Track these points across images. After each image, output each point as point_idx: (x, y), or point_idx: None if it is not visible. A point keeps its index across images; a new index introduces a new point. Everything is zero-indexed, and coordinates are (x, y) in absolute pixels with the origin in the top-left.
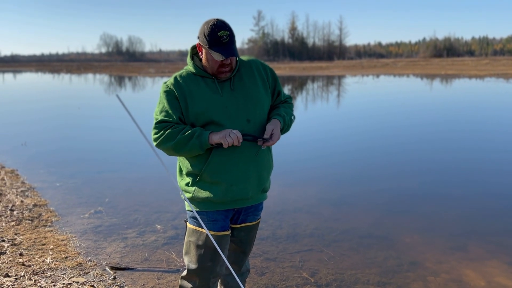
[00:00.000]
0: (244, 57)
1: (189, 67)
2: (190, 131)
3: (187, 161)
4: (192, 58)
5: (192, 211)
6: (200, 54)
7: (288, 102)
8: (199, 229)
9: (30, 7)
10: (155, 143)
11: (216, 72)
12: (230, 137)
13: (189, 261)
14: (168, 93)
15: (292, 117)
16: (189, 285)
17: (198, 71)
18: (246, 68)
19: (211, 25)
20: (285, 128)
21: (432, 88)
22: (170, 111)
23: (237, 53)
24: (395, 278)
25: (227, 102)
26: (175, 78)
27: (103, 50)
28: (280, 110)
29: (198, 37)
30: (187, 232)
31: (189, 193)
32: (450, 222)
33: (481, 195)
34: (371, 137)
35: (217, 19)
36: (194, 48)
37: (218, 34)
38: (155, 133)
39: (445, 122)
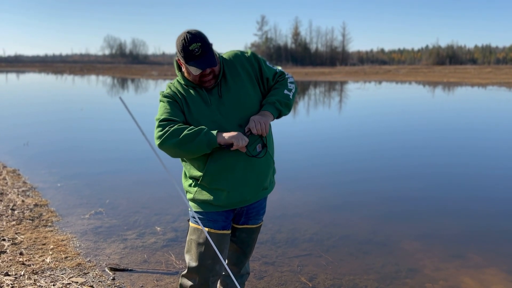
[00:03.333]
0: (225, 54)
1: (178, 78)
2: (197, 128)
3: (188, 167)
4: (180, 70)
5: (193, 210)
6: (182, 67)
7: (279, 82)
8: (200, 227)
9: (34, 9)
10: (159, 141)
11: (199, 82)
12: (242, 140)
13: (189, 259)
14: (169, 98)
15: (286, 90)
16: (189, 283)
17: (186, 82)
18: (230, 69)
19: (181, 40)
20: (281, 107)
21: (434, 95)
22: (173, 112)
23: (213, 62)
24: (393, 285)
25: (216, 111)
26: (169, 87)
27: (107, 52)
28: (269, 98)
29: (176, 53)
30: (189, 230)
31: (191, 193)
32: (449, 229)
33: (481, 203)
34: (372, 143)
35: (187, 32)
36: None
37: (190, 48)
38: (159, 131)
39: (445, 130)
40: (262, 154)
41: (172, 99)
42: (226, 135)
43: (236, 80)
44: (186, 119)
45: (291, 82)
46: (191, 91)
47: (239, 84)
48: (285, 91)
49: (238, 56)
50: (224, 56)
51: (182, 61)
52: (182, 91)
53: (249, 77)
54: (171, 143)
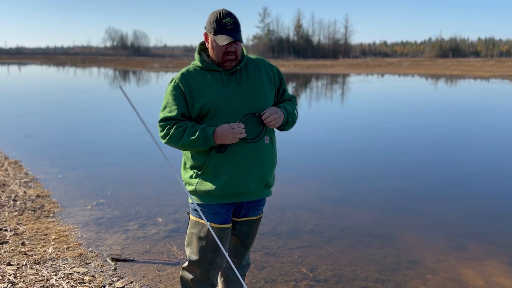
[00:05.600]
0: (252, 56)
1: (196, 62)
2: (194, 137)
3: (191, 156)
4: (199, 53)
5: (194, 203)
6: (206, 44)
7: (292, 101)
8: (201, 221)
9: (36, 1)
10: (162, 141)
11: (221, 60)
12: (235, 134)
13: (190, 252)
14: (174, 88)
15: (296, 111)
16: (190, 276)
17: (204, 65)
18: (253, 65)
19: (216, 13)
20: (289, 119)
21: (436, 88)
22: (173, 107)
23: (241, 38)
24: (394, 276)
25: (232, 95)
26: (182, 73)
27: (108, 44)
28: (282, 104)
29: (205, 27)
30: (189, 223)
31: (192, 185)
32: (450, 222)
33: (482, 196)
34: (374, 136)
35: (223, 9)
36: (202, 44)
37: (223, 21)
38: (160, 131)
39: (448, 123)
40: (259, 137)
41: (177, 89)
42: (219, 137)
43: (256, 74)
44: (194, 105)
45: (297, 109)
46: (208, 74)
47: (258, 78)
48: (295, 111)
49: (263, 61)
50: (250, 56)
51: (211, 33)
52: (195, 75)
53: (269, 79)
54: (173, 146)
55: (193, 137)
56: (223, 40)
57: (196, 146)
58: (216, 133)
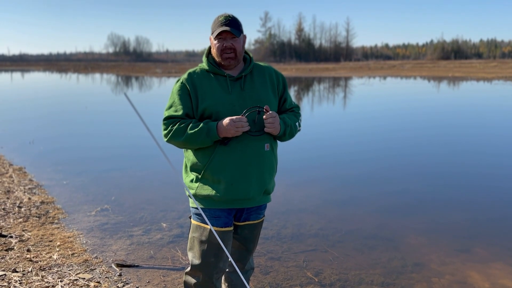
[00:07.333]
0: (260, 63)
1: (203, 64)
2: (197, 129)
3: (191, 158)
4: (207, 57)
5: (196, 207)
6: (211, 41)
7: (295, 112)
8: (203, 225)
9: (38, 8)
10: (165, 139)
11: (221, 58)
12: (237, 128)
13: (192, 256)
14: (181, 88)
15: (297, 124)
16: (193, 280)
17: (211, 68)
18: (259, 71)
19: (218, 16)
20: (287, 132)
21: (439, 90)
22: (178, 106)
23: (237, 33)
24: (399, 279)
25: (235, 101)
26: (189, 73)
27: (111, 50)
28: (282, 115)
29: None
30: (191, 228)
31: (193, 189)
32: (455, 224)
33: (487, 199)
34: (377, 139)
35: (225, 13)
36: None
37: (220, 19)
38: (164, 129)
39: (452, 126)
40: (258, 133)
41: (183, 89)
42: (223, 131)
43: (261, 81)
44: (198, 107)
45: (300, 120)
46: (213, 78)
47: (263, 85)
48: (297, 124)
49: (270, 68)
50: (258, 63)
51: (211, 34)
52: (202, 77)
53: (272, 87)
54: (176, 142)
55: (196, 129)
56: (218, 29)
57: (199, 139)
58: (219, 125)
